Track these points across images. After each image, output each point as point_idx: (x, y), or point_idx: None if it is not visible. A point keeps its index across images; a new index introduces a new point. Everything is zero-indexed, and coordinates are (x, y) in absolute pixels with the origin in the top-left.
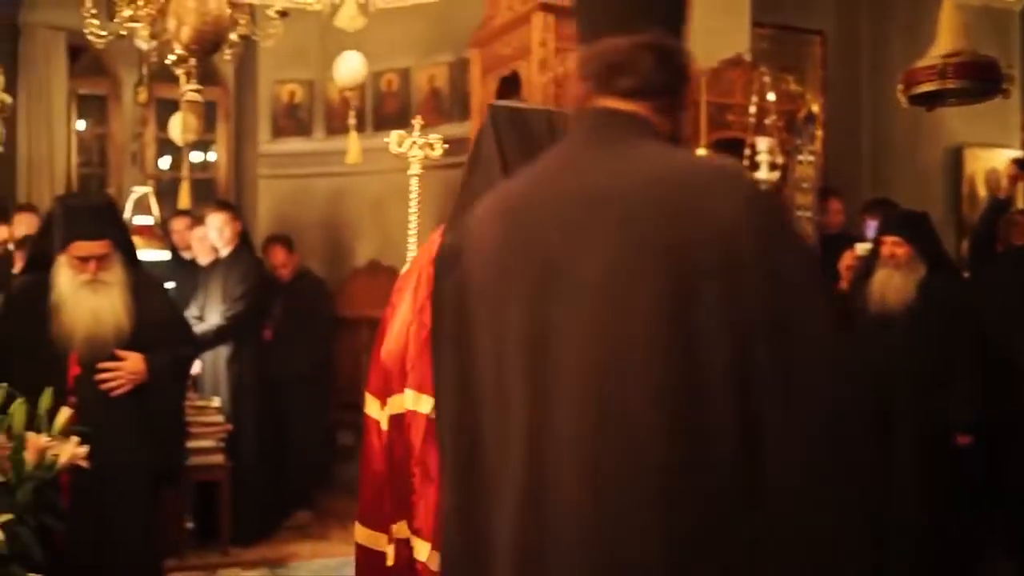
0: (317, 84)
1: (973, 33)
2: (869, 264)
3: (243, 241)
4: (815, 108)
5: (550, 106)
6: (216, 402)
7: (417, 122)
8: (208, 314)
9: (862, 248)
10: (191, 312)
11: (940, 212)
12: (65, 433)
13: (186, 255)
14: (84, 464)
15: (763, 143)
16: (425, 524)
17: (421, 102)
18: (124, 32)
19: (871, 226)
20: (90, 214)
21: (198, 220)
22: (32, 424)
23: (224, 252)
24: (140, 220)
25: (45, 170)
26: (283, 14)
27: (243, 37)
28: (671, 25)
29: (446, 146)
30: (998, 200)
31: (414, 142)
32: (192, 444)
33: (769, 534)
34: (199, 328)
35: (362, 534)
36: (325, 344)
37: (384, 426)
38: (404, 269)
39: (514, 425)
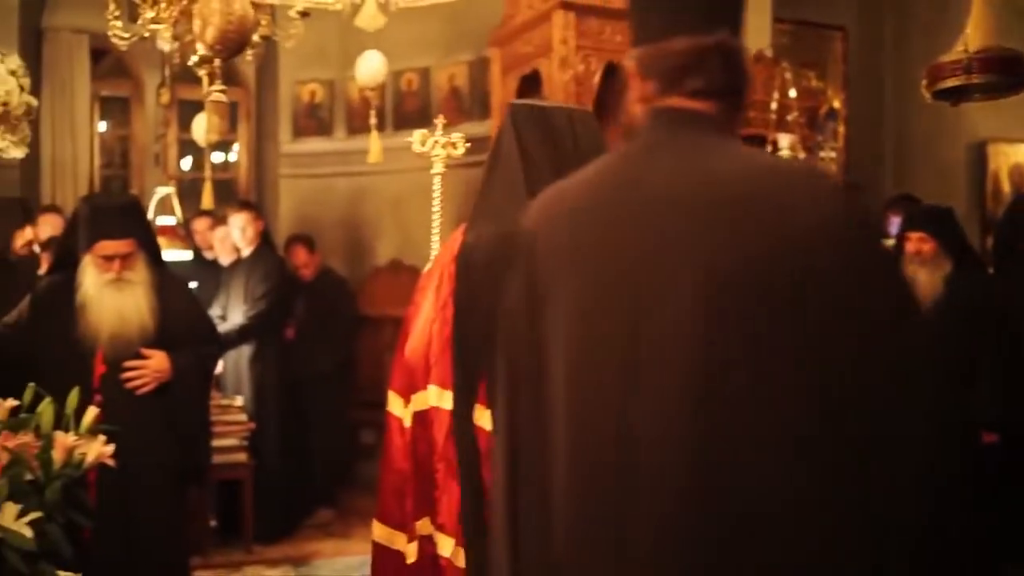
0: (337, 84)
1: (999, 27)
2: None
3: (265, 241)
4: (836, 104)
5: (571, 104)
6: (239, 401)
7: (440, 121)
8: (230, 314)
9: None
10: (213, 312)
11: (963, 208)
12: (92, 432)
13: (208, 255)
14: (110, 463)
15: (784, 139)
16: (449, 520)
17: (441, 101)
18: (147, 34)
19: (894, 222)
20: (115, 213)
21: (220, 220)
22: (59, 423)
23: (246, 252)
24: (163, 221)
25: (69, 172)
26: (304, 14)
27: (264, 38)
28: (734, 26)
29: (468, 145)
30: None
31: (437, 141)
32: (215, 443)
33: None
34: (222, 328)
35: (380, 532)
36: (347, 343)
37: (407, 423)
38: (427, 268)
39: (597, 427)
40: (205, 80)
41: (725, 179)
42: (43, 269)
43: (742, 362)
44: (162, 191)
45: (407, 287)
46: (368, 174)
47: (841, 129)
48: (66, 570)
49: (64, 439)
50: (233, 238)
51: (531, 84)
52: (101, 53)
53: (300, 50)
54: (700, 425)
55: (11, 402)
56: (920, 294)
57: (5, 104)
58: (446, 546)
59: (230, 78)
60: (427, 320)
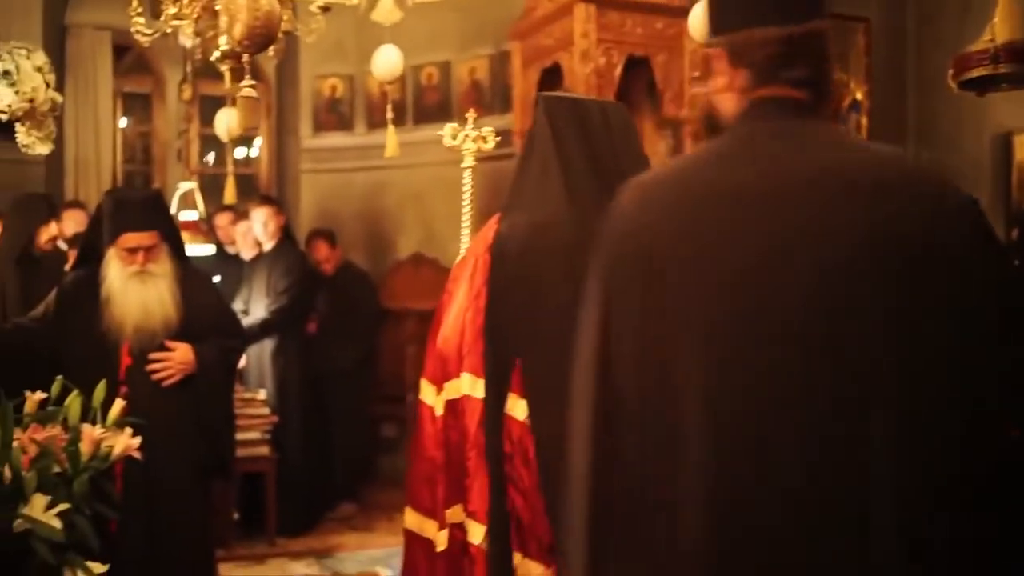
0: (357, 78)
1: None
2: None
3: (286, 235)
4: (859, 96)
5: (594, 96)
6: (262, 394)
7: (470, 115)
8: (253, 308)
9: None
10: (236, 306)
11: (988, 200)
12: (119, 424)
13: (230, 250)
14: (137, 455)
15: None
16: (480, 507)
17: (462, 95)
18: (169, 30)
19: None
20: (138, 206)
21: (242, 215)
22: (87, 416)
23: (268, 246)
24: (185, 215)
25: (92, 168)
26: (325, 9)
27: (286, 33)
28: (823, 13)
29: (498, 138)
30: None
31: (467, 135)
32: (238, 436)
33: None
34: (244, 322)
35: (411, 519)
36: (369, 338)
37: (439, 412)
38: (459, 257)
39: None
40: (227, 76)
41: (850, 167)
42: (69, 265)
43: (882, 347)
44: (184, 186)
45: (428, 281)
46: (389, 168)
47: (864, 121)
48: (93, 561)
49: (91, 432)
50: (255, 233)
51: (552, 77)
52: (123, 49)
53: (320, 45)
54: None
55: (39, 395)
56: None
57: (31, 101)
58: (477, 533)
59: (251, 74)
60: (460, 309)
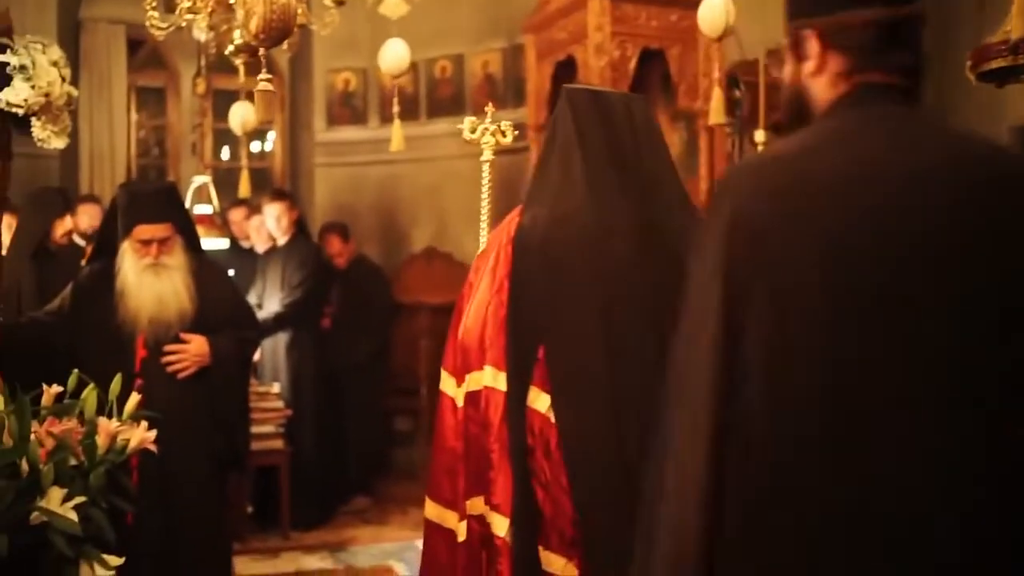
0: (370, 72)
1: None
2: None
3: (300, 229)
4: None
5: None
6: (276, 388)
7: (489, 109)
8: (266, 302)
9: None
10: (250, 300)
11: None
12: (134, 418)
13: (245, 244)
14: (152, 448)
15: None
16: (504, 500)
17: (475, 88)
18: (183, 24)
19: None
20: (152, 198)
21: (255, 209)
22: (103, 409)
23: (282, 241)
24: (200, 209)
25: (106, 162)
26: (339, 3)
27: (300, 26)
28: None
29: (516, 133)
30: None
31: (486, 128)
32: (252, 430)
33: None
34: (258, 316)
35: (431, 510)
36: (382, 331)
37: (460, 403)
38: (480, 249)
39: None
40: (242, 69)
41: (963, 159)
42: (86, 259)
43: (997, 343)
44: (198, 180)
45: (441, 275)
46: (402, 162)
47: None
48: (110, 554)
49: (107, 425)
50: (269, 227)
51: (566, 71)
52: (137, 44)
53: (333, 38)
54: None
55: (56, 389)
56: None
57: (47, 95)
58: (501, 526)
59: (265, 67)
60: (482, 302)
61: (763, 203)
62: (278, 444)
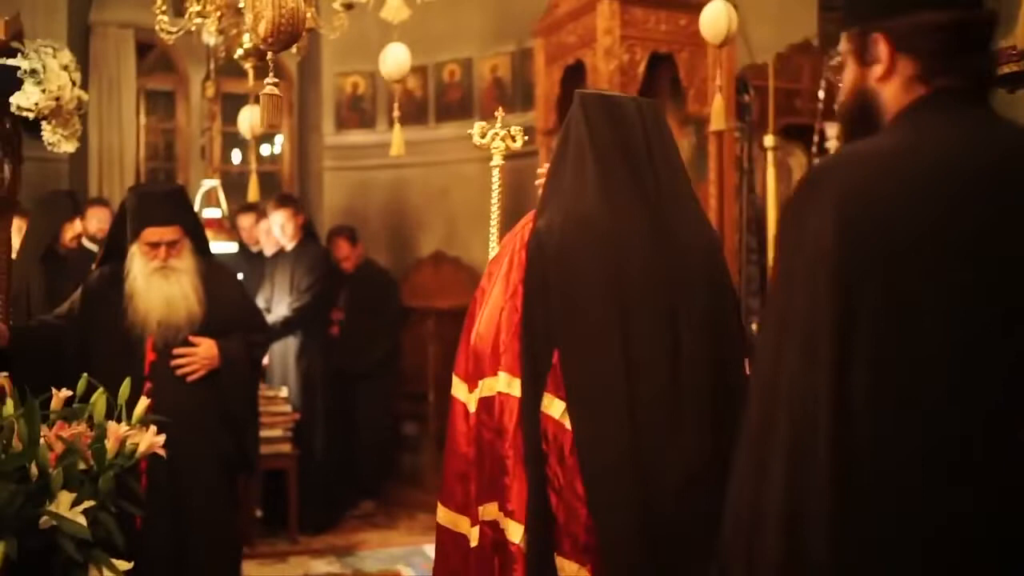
0: (378, 75)
1: None
2: None
3: (308, 233)
4: None
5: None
6: (284, 392)
7: (499, 114)
8: (275, 306)
9: None
10: (258, 303)
11: None
12: (143, 422)
13: (254, 248)
14: (161, 452)
15: (832, 129)
16: (519, 506)
17: (484, 92)
18: (193, 27)
19: None
20: (160, 200)
21: (264, 214)
22: (112, 413)
23: (290, 246)
24: (209, 213)
25: (116, 165)
26: (348, 6)
27: (309, 30)
28: None
29: (526, 138)
30: None
31: (496, 133)
32: (261, 433)
33: None
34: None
35: (444, 515)
36: (391, 336)
37: (472, 408)
38: (492, 254)
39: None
40: (251, 73)
41: None
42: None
43: None
44: (207, 184)
45: (450, 279)
46: (411, 166)
47: None
48: (119, 558)
49: (117, 429)
50: (275, 235)
51: (575, 75)
52: (146, 47)
53: (341, 42)
54: None
55: (65, 393)
56: None
57: (58, 99)
58: (516, 532)
59: (273, 71)
60: (495, 307)
61: (873, 199)
62: (286, 448)
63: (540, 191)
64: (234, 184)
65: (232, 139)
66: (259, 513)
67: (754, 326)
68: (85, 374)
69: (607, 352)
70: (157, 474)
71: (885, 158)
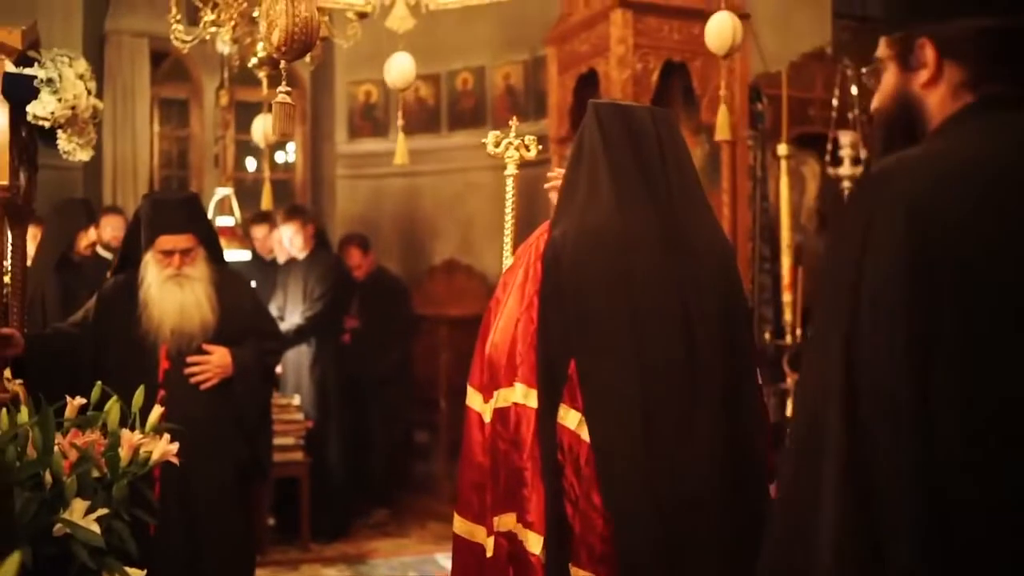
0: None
1: None
2: None
3: (320, 241)
4: None
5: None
6: (296, 400)
7: (513, 123)
8: (288, 314)
9: None
10: (271, 311)
11: None
12: (157, 431)
13: (267, 256)
14: (175, 461)
15: (846, 137)
16: (537, 517)
17: (496, 101)
18: (207, 36)
19: None
20: (174, 208)
21: (277, 224)
22: (125, 421)
23: (302, 255)
24: (222, 221)
25: (130, 174)
26: (362, 15)
27: (322, 39)
28: None
29: (540, 147)
30: None
31: (510, 142)
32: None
33: None
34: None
35: (460, 525)
36: (403, 344)
37: (487, 419)
38: (506, 264)
39: None
40: (265, 82)
41: None
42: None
43: None
44: (221, 192)
45: (462, 287)
46: (423, 174)
47: None
48: (132, 566)
49: (130, 437)
50: (286, 246)
51: (588, 83)
52: (160, 56)
53: (354, 51)
54: None
55: (79, 400)
56: None
57: (73, 108)
58: (536, 543)
59: (286, 80)
60: (510, 318)
61: (942, 205)
62: (298, 456)
63: (552, 198)
64: (248, 192)
65: (245, 147)
66: (271, 521)
67: (767, 335)
68: (99, 382)
69: (623, 362)
70: (170, 482)
71: (949, 165)
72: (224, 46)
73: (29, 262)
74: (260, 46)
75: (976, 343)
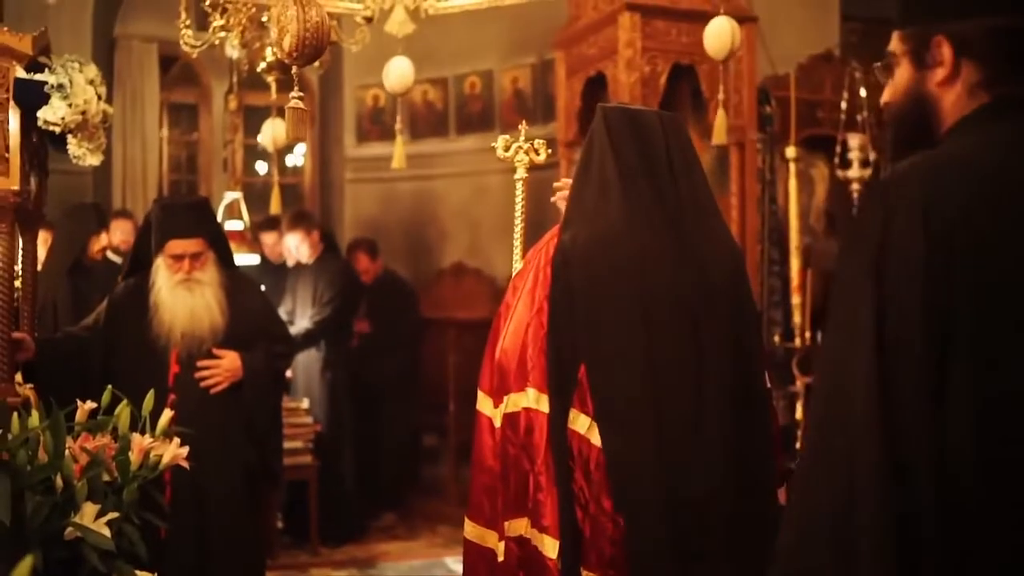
0: None
1: None
2: None
3: (328, 246)
4: None
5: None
6: (305, 403)
7: (523, 127)
8: (297, 318)
9: None
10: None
11: None
12: (167, 434)
13: (276, 261)
14: (185, 464)
15: (855, 140)
16: (553, 522)
17: (504, 104)
18: (216, 41)
19: None
20: (184, 212)
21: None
22: (136, 425)
23: (310, 261)
24: (231, 225)
25: (139, 178)
26: (369, 20)
27: (331, 43)
28: None
29: (549, 151)
30: None
31: (520, 146)
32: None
33: None
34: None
35: (471, 530)
36: (412, 347)
37: (498, 423)
38: (512, 266)
39: None
40: (273, 86)
41: None
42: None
43: None
44: (230, 196)
45: (470, 291)
46: (431, 177)
47: None
48: (143, 569)
49: (141, 441)
50: (293, 254)
51: (596, 87)
52: (170, 61)
53: (362, 55)
54: None
55: (90, 405)
56: None
57: (83, 113)
58: (552, 548)
59: (296, 85)
60: (520, 322)
61: (960, 208)
62: (307, 459)
63: (559, 205)
64: (256, 196)
65: (254, 151)
66: (281, 524)
67: (776, 338)
68: (109, 386)
69: (633, 366)
70: (180, 486)
71: (966, 168)
72: (233, 51)
73: (40, 266)
74: (269, 51)
75: (991, 344)
